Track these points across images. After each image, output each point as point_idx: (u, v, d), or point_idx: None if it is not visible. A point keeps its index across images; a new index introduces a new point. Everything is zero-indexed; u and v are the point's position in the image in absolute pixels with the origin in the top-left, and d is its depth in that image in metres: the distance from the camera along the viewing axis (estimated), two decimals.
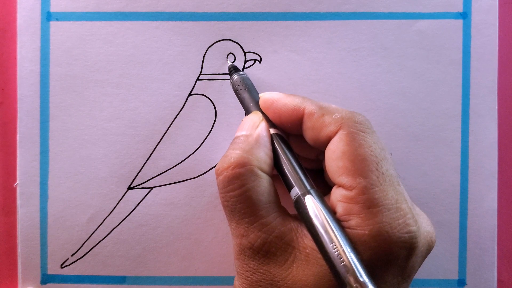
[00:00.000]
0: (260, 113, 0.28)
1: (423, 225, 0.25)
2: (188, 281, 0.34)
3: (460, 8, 0.34)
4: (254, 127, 0.27)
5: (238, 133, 0.28)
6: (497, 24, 0.34)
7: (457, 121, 0.34)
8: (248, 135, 0.27)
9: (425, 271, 0.34)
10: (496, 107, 0.34)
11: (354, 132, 0.25)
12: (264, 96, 0.28)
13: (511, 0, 0.34)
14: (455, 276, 0.34)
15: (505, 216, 0.34)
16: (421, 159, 0.34)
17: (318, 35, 0.34)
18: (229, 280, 0.34)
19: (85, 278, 0.34)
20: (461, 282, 0.34)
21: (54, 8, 0.34)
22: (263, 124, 0.28)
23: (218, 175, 0.26)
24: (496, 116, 0.34)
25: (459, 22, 0.34)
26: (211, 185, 0.34)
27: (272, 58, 0.34)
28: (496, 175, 0.34)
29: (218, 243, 0.34)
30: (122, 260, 0.34)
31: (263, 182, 0.26)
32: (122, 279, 0.34)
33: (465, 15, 0.34)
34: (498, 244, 0.34)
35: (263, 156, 0.26)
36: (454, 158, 0.34)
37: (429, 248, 0.26)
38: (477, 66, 0.34)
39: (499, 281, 0.34)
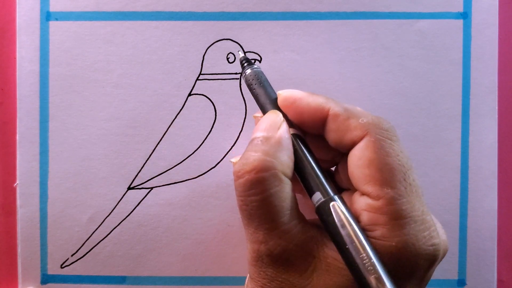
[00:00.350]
0: (279, 113, 0.27)
1: (440, 233, 0.25)
2: (188, 281, 0.34)
3: (460, 8, 0.34)
4: (275, 128, 0.26)
5: (258, 134, 0.26)
6: (497, 24, 0.34)
7: (457, 121, 0.34)
8: (269, 136, 0.25)
9: None
10: (496, 107, 0.34)
11: (381, 139, 0.24)
12: (284, 94, 0.27)
13: (511, 0, 0.34)
14: (455, 276, 0.34)
15: (505, 216, 0.34)
16: (421, 159, 0.34)
17: (319, 35, 0.34)
18: (229, 280, 0.34)
19: (85, 278, 0.34)
20: (461, 282, 0.34)
21: (53, 7, 0.34)
22: (285, 125, 0.26)
23: (238, 177, 0.25)
24: (496, 116, 0.34)
25: (460, 22, 0.34)
26: (211, 185, 0.34)
27: (272, 58, 0.34)
28: (496, 175, 0.34)
29: (218, 243, 0.34)
30: (122, 260, 0.34)
31: (286, 188, 0.24)
32: (122, 279, 0.34)
33: (465, 15, 0.34)
34: (498, 244, 0.34)
35: (286, 160, 0.25)
36: (454, 158, 0.34)
37: (443, 256, 0.25)
38: (477, 66, 0.34)
39: (499, 281, 0.34)
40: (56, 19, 0.34)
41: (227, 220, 0.34)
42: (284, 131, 0.26)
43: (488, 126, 0.34)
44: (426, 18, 0.34)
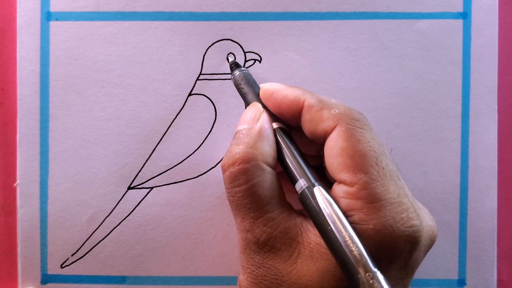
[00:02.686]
0: (259, 105, 0.28)
1: (425, 219, 0.25)
2: (188, 281, 0.34)
3: (460, 8, 0.34)
4: (255, 120, 0.27)
5: (240, 127, 0.27)
6: (497, 24, 0.34)
7: (457, 121, 0.34)
8: (250, 128, 0.27)
9: (425, 271, 0.34)
10: (496, 107, 0.34)
11: (352, 129, 0.25)
12: (265, 87, 0.28)
13: (511, 0, 0.34)
14: (455, 276, 0.34)
15: (505, 216, 0.34)
16: (421, 159, 0.34)
17: (318, 35, 0.34)
18: (229, 280, 0.34)
19: (85, 278, 0.34)
20: (461, 282, 0.34)
21: (54, 8, 0.34)
22: (264, 116, 0.27)
23: (223, 171, 0.26)
24: (496, 116, 0.34)
25: (459, 22, 0.34)
26: (211, 185, 0.34)
27: (272, 58, 0.34)
28: (496, 175, 0.34)
29: (218, 243, 0.34)
30: (122, 260, 0.34)
31: (268, 177, 0.26)
32: (122, 279, 0.34)
33: (465, 15, 0.34)
34: (498, 244, 0.34)
35: (267, 149, 0.26)
36: (454, 158, 0.34)
37: (431, 243, 0.26)
38: (477, 66, 0.34)
39: (499, 281, 0.34)
40: (57, 19, 0.34)
41: (227, 220, 0.34)
42: (264, 122, 0.27)
43: (488, 126, 0.34)
44: (426, 18, 0.34)
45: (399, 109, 0.34)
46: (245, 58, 0.34)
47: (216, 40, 0.34)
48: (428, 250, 0.26)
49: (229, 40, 0.34)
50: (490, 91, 0.34)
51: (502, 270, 0.34)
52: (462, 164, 0.34)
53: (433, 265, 0.34)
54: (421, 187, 0.34)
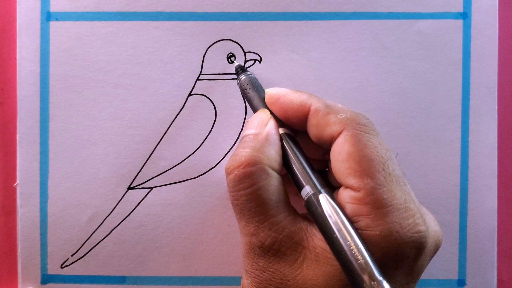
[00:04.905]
0: (267, 111, 0.28)
1: (430, 224, 0.25)
2: (188, 281, 0.34)
3: (460, 8, 0.34)
4: (263, 125, 0.27)
5: (247, 132, 0.27)
6: (497, 24, 0.34)
7: (457, 121, 0.34)
8: (257, 133, 0.27)
9: (425, 271, 0.34)
10: (496, 107, 0.34)
11: (358, 133, 0.25)
12: (270, 92, 0.28)
13: (511, 0, 0.34)
14: (455, 276, 0.34)
15: (505, 216, 0.34)
16: (421, 159, 0.34)
17: (318, 35, 0.34)
18: (229, 280, 0.34)
19: (85, 278, 0.34)
20: (461, 282, 0.34)
21: (54, 8, 0.34)
22: (272, 122, 0.28)
23: (228, 174, 0.26)
24: (496, 116, 0.34)
25: (459, 22, 0.34)
26: (211, 185, 0.34)
27: (272, 58, 0.34)
28: (496, 175, 0.34)
29: (218, 243, 0.34)
30: (122, 260, 0.34)
31: (274, 181, 0.26)
32: (122, 279, 0.34)
33: (465, 15, 0.34)
34: (498, 244, 0.34)
35: (273, 154, 0.26)
36: (454, 158, 0.34)
37: (436, 248, 0.26)
38: (477, 66, 0.34)
39: (499, 281, 0.34)
40: (57, 19, 0.34)
41: (227, 220, 0.34)
42: (271, 128, 0.27)
43: (488, 126, 0.34)
44: (426, 18, 0.34)
45: (399, 109, 0.34)
46: (245, 58, 0.34)
47: (216, 40, 0.34)
48: (433, 255, 0.26)
49: (229, 40, 0.34)
50: (490, 91, 0.34)
51: (502, 270, 0.34)
52: (462, 164, 0.34)
53: (433, 265, 0.34)
54: (421, 187, 0.34)
